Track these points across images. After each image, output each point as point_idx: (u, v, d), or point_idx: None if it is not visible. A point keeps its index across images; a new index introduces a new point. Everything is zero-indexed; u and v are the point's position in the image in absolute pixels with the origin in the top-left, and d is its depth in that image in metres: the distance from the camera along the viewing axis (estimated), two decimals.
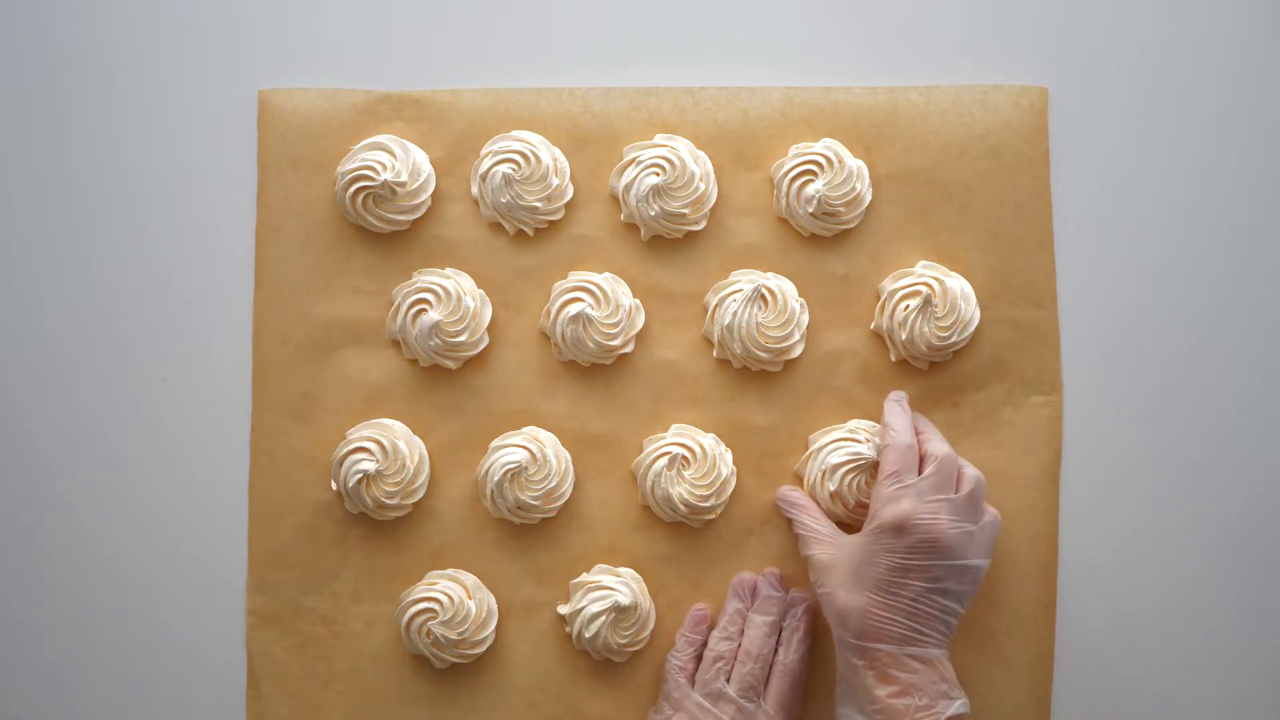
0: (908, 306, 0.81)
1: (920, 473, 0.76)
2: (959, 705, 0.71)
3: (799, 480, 0.83)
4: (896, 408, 0.80)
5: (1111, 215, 0.84)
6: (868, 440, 0.80)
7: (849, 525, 0.81)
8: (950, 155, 0.83)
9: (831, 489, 0.80)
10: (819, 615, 0.81)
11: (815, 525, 0.79)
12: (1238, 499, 0.83)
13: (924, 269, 0.82)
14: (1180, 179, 0.84)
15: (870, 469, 0.80)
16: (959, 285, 0.81)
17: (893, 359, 0.83)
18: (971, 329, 0.81)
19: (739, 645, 0.79)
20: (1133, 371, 0.84)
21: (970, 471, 0.76)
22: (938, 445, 0.77)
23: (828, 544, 0.77)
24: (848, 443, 0.80)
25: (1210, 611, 0.83)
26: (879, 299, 0.83)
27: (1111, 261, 0.84)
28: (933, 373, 0.83)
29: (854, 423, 0.82)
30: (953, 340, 0.81)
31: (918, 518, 0.73)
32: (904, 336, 0.81)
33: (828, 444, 0.81)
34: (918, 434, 0.78)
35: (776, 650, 0.79)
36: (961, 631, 0.81)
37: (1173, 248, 0.84)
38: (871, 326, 0.83)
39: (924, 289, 0.81)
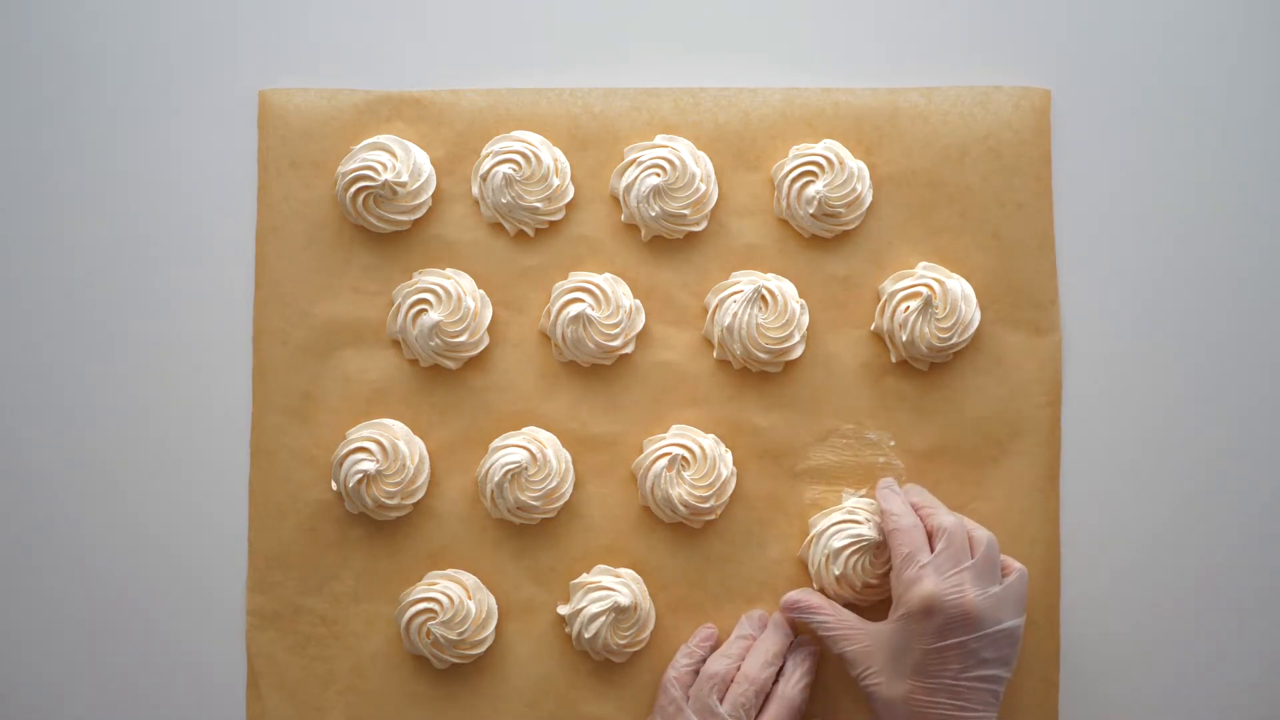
0: (908, 308, 0.81)
1: (932, 549, 0.75)
2: None
3: (802, 563, 0.82)
4: (889, 493, 0.79)
5: (1114, 217, 0.84)
6: (868, 520, 0.80)
7: (858, 608, 0.81)
8: (951, 157, 0.83)
9: (837, 573, 0.79)
10: (824, 660, 0.81)
11: (838, 621, 0.77)
12: (1242, 501, 0.83)
13: (924, 270, 0.82)
14: (1182, 181, 0.84)
15: (874, 549, 0.79)
16: (959, 286, 0.81)
17: (893, 360, 0.83)
18: (972, 330, 0.81)
19: (737, 668, 0.79)
20: (1134, 373, 0.84)
21: (980, 533, 0.76)
22: (943, 517, 0.76)
23: (857, 635, 0.76)
24: (848, 524, 0.80)
25: (1214, 613, 0.83)
26: (879, 300, 0.83)
27: (1113, 263, 0.84)
28: (933, 373, 0.83)
29: (852, 502, 0.82)
30: (953, 341, 0.81)
31: (943, 596, 0.72)
32: (904, 338, 0.81)
33: (828, 528, 0.80)
34: (918, 510, 0.78)
35: (776, 681, 0.79)
36: None
37: (1174, 249, 0.84)
38: (872, 328, 0.83)
39: (925, 290, 0.81)
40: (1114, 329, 0.84)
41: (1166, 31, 0.85)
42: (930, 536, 0.76)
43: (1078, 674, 0.82)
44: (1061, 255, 0.83)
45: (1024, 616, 0.75)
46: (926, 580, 0.73)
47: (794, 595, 0.80)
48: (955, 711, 0.72)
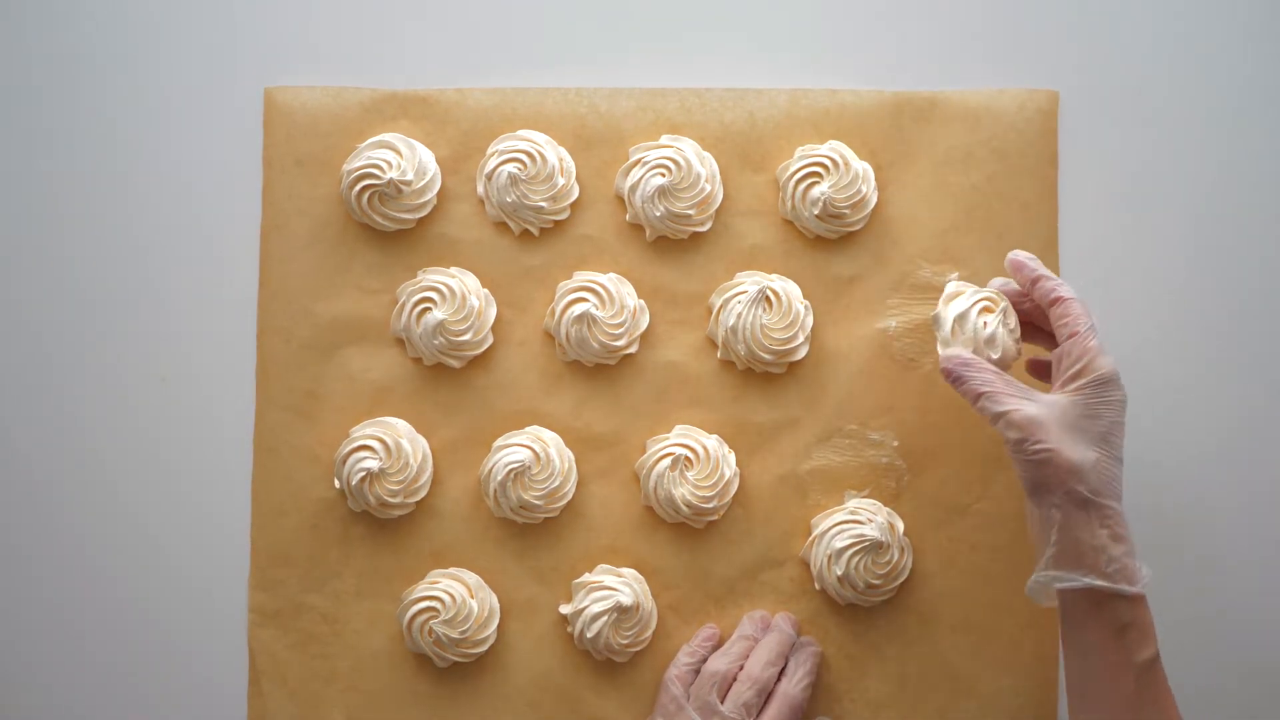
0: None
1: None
2: (1148, 573, 0.70)
3: (804, 564, 0.82)
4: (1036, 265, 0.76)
5: (1118, 218, 0.84)
6: (870, 521, 0.80)
7: (859, 606, 0.81)
8: (955, 158, 0.83)
9: (839, 574, 0.79)
10: (825, 660, 0.81)
11: (1002, 381, 0.72)
12: (1243, 499, 0.84)
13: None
14: (1187, 183, 0.85)
15: (876, 549, 0.79)
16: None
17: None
18: None
19: (739, 668, 0.78)
20: (1137, 375, 0.84)
21: None
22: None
23: (1022, 399, 0.71)
24: (851, 525, 0.80)
25: (1215, 612, 0.83)
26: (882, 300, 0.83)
27: (1117, 264, 0.84)
28: (936, 374, 0.83)
29: (854, 502, 0.82)
30: None
31: (1119, 377, 0.72)
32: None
33: (830, 528, 0.80)
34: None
35: (778, 681, 0.79)
36: (965, 634, 0.82)
37: (1178, 251, 0.84)
38: (878, 326, 0.83)
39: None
40: (1117, 330, 0.84)
41: (1175, 35, 0.85)
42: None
43: None
44: (1065, 256, 0.84)
45: None
46: (1108, 356, 0.72)
47: (954, 353, 0.74)
48: (1121, 490, 0.70)
